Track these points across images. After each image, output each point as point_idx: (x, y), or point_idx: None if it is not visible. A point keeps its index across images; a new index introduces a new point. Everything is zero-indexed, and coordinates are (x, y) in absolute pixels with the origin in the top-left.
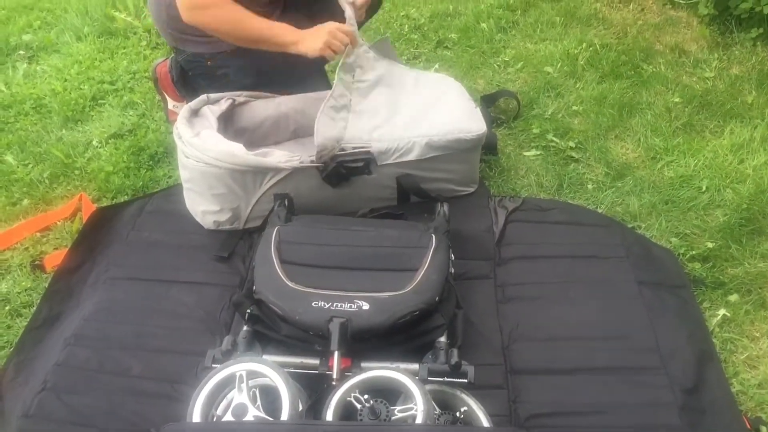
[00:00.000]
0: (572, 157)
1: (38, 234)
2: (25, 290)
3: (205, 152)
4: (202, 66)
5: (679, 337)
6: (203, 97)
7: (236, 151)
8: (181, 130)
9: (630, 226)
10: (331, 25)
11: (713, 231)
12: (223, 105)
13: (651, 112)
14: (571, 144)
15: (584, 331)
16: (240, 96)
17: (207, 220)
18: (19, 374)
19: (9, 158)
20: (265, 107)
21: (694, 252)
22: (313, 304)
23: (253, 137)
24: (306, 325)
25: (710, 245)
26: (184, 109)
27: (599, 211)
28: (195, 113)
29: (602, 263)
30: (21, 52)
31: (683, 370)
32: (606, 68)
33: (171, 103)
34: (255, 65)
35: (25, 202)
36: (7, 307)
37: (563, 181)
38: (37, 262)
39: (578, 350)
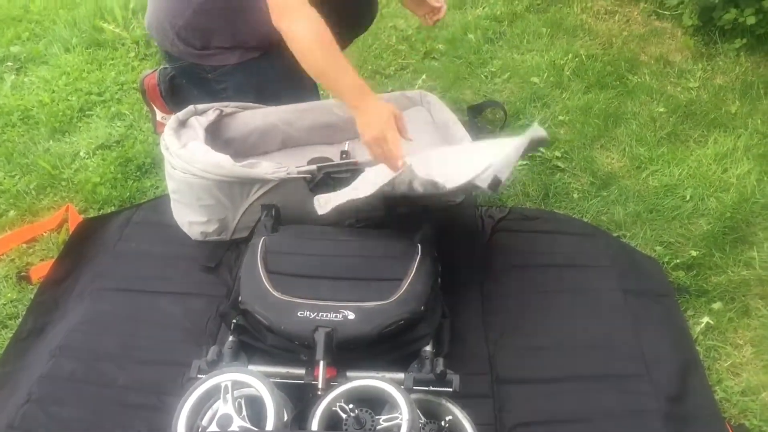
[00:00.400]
0: (558, 166)
1: (24, 245)
2: (11, 302)
3: (191, 163)
4: (201, 77)
5: (663, 345)
6: (190, 107)
7: (223, 162)
8: (168, 141)
9: (615, 235)
10: (390, 128)
11: (697, 239)
12: (211, 116)
13: (636, 122)
14: (557, 154)
15: (569, 339)
16: (227, 106)
17: (194, 231)
18: (4, 386)
19: None
20: (253, 117)
21: (678, 260)
22: (298, 314)
23: (241, 148)
24: (291, 334)
25: (694, 253)
26: (171, 120)
27: (585, 220)
28: (182, 124)
29: (587, 272)
30: (9, 63)
31: (667, 377)
32: (592, 78)
33: (159, 115)
34: (255, 82)
35: (11, 213)
36: None
37: (549, 190)
38: (23, 274)
39: (563, 359)
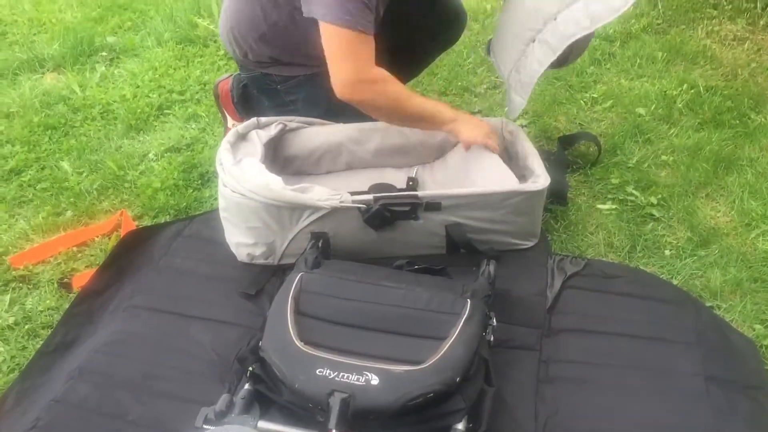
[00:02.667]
0: (652, 215)
1: (74, 248)
2: (48, 309)
3: (241, 183)
4: (269, 90)
5: None
6: (253, 120)
7: (273, 185)
8: (222, 156)
9: (708, 305)
10: (487, 126)
11: None
12: (273, 130)
13: (752, 171)
14: (653, 200)
15: (635, 429)
16: (291, 121)
17: (241, 253)
18: (19, 404)
19: (65, 164)
20: (317, 134)
21: None
22: (317, 371)
23: (302, 166)
24: (305, 395)
25: None
26: (230, 134)
27: (674, 282)
28: (242, 137)
29: (668, 348)
30: (104, 53)
31: None
32: (707, 114)
33: (230, 122)
34: (324, 96)
35: (69, 213)
36: (27, 326)
37: (637, 242)
38: (65, 280)
39: None
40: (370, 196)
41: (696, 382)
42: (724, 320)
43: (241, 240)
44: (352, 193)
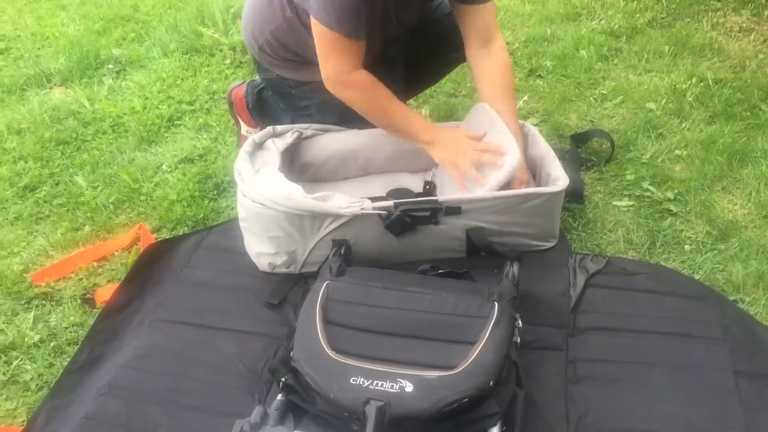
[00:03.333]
0: (669, 210)
1: (95, 264)
2: (73, 326)
3: (261, 193)
4: (284, 94)
5: None
6: (268, 129)
7: (293, 195)
8: (241, 166)
9: (731, 299)
10: (466, 145)
11: None
12: (289, 138)
13: (766, 163)
14: (670, 195)
15: (665, 427)
16: (308, 129)
17: (262, 262)
18: (50, 422)
19: (80, 179)
20: (333, 141)
21: None
22: (351, 380)
23: (318, 173)
24: (340, 404)
25: None
26: (246, 143)
27: (696, 277)
28: (259, 146)
29: (694, 344)
30: (110, 66)
31: None
32: (718, 107)
33: (244, 128)
34: (338, 102)
35: (87, 228)
36: (52, 343)
37: (656, 238)
38: (88, 296)
39: None
40: (390, 203)
41: (724, 377)
42: (748, 314)
43: (262, 249)
44: (372, 199)
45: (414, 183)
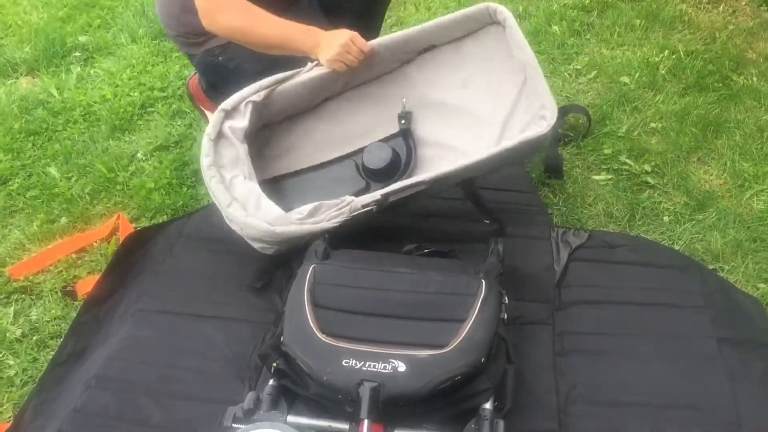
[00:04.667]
0: (647, 182)
1: (74, 255)
2: (55, 319)
3: (247, 231)
4: (216, 65)
5: (764, 408)
6: (219, 113)
7: (279, 230)
8: (217, 194)
9: (711, 267)
10: (344, 35)
11: None
12: (245, 114)
13: (740, 132)
14: (647, 168)
15: (652, 396)
16: (258, 91)
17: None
18: (38, 417)
19: (53, 170)
20: (294, 88)
21: None
22: (343, 362)
23: (300, 156)
24: (334, 387)
25: None
26: (205, 142)
27: (676, 248)
28: (219, 137)
29: (677, 314)
30: (77, 53)
31: None
32: (690, 79)
33: (210, 116)
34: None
35: (63, 220)
36: (35, 337)
37: (636, 211)
38: (68, 288)
39: (644, 419)
40: (377, 195)
41: (709, 345)
42: (728, 282)
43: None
44: (356, 193)
45: (388, 117)
